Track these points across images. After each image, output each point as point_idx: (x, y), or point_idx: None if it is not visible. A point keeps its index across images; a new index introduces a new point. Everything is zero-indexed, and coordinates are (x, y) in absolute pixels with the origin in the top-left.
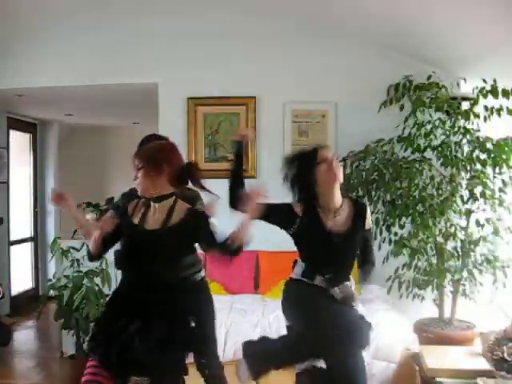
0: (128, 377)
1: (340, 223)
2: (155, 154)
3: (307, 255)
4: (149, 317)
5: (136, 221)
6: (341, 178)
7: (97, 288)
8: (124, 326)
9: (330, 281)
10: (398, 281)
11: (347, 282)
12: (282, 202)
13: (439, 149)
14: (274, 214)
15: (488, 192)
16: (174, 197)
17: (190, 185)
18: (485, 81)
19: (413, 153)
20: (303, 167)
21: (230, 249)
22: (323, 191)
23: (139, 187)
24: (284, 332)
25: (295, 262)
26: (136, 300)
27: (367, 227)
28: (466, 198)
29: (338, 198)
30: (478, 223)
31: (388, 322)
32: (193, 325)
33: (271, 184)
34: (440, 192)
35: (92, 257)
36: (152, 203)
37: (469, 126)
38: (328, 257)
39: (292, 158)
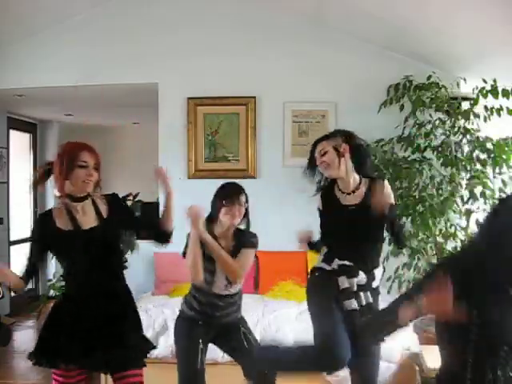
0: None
1: (355, 198)
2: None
3: (326, 233)
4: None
5: (67, 226)
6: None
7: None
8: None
9: (347, 269)
10: (398, 281)
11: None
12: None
13: (439, 149)
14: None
15: (488, 192)
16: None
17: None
18: (485, 81)
19: (413, 153)
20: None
21: (168, 230)
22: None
23: (91, 186)
24: (284, 332)
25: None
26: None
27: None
28: (466, 198)
29: (353, 180)
30: (478, 223)
31: None
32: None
33: (271, 184)
34: (440, 192)
35: None
36: (75, 204)
37: (469, 126)
38: (345, 231)
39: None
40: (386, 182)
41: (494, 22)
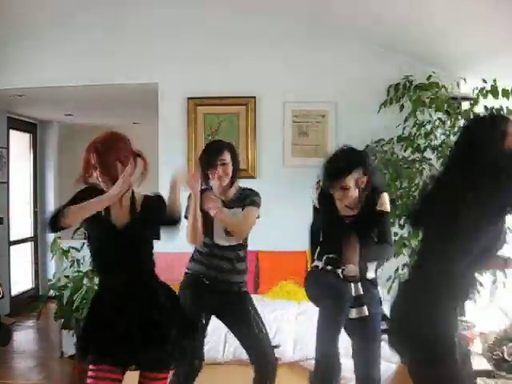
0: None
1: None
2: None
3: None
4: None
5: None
6: None
7: (97, 288)
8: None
9: (333, 261)
10: (398, 281)
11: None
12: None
13: (439, 149)
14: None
15: None
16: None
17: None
18: (485, 81)
19: (413, 153)
20: None
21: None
22: None
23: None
24: (284, 332)
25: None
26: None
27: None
28: None
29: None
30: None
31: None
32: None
33: (271, 184)
34: None
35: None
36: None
37: None
38: (337, 238)
39: None
40: (386, 194)
41: (495, 22)
